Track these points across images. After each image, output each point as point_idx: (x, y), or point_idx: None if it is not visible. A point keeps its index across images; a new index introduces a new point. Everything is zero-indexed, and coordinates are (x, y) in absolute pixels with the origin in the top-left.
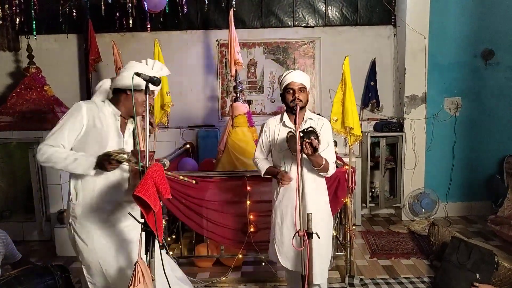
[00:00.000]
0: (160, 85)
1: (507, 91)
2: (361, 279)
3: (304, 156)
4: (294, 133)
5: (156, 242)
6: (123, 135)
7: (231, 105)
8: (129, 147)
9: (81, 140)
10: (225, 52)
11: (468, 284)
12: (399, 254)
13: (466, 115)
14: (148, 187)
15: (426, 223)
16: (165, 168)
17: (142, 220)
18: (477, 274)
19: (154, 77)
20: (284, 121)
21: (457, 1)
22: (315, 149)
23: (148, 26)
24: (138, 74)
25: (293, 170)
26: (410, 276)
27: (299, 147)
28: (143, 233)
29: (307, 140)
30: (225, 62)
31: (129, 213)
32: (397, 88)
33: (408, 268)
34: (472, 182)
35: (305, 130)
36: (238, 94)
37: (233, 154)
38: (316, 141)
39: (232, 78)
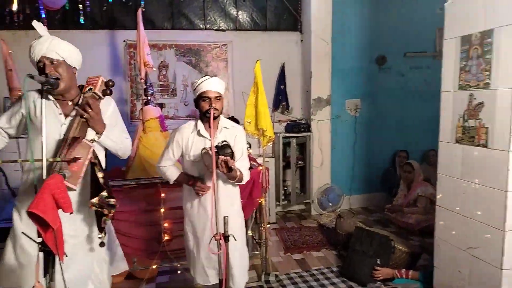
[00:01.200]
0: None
1: (397, 93)
2: (276, 276)
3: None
4: (209, 150)
5: (58, 262)
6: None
7: (142, 108)
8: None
9: None
10: (134, 53)
11: (371, 269)
12: (310, 247)
13: (364, 116)
14: (46, 201)
15: (333, 216)
16: (66, 179)
17: (40, 240)
18: (378, 259)
19: (51, 78)
20: (199, 130)
21: (355, 11)
22: (230, 169)
23: (45, 24)
24: (31, 77)
25: (206, 179)
26: (320, 267)
27: (214, 165)
28: (41, 254)
29: (223, 158)
30: (134, 63)
31: (23, 232)
32: (305, 91)
33: (319, 260)
34: (371, 175)
35: (220, 145)
36: (149, 97)
37: (145, 160)
38: (232, 160)
39: (142, 80)
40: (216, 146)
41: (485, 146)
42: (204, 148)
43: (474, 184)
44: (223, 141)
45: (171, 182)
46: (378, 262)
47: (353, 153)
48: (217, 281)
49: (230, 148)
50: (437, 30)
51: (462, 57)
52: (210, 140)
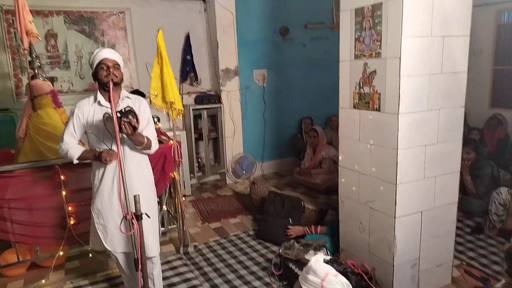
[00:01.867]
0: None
1: (300, 63)
2: (195, 246)
3: (125, 135)
4: (111, 114)
5: None
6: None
7: (29, 84)
8: None
9: None
10: (13, 20)
11: (284, 229)
12: (227, 214)
13: (272, 85)
14: None
15: (248, 183)
16: None
17: None
18: (290, 219)
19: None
20: (99, 101)
21: None
22: (134, 128)
23: None
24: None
25: (113, 148)
26: (238, 232)
27: (117, 127)
28: None
29: (126, 120)
30: (14, 32)
31: None
32: (212, 62)
33: (236, 226)
34: (280, 142)
35: (123, 110)
36: (37, 71)
37: (38, 140)
38: (135, 120)
39: (26, 51)
40: (119, 111)
41: (378, 110)
42: (106, 113)
43: (369, 145)
44: (126, 106)
45: (75, 161)
46: (290, 221)
47: (263, 122)
48: (125, 250)
49: (134, 113)
50: (334, 3)
51: (356, 29)
52: (111, 105)
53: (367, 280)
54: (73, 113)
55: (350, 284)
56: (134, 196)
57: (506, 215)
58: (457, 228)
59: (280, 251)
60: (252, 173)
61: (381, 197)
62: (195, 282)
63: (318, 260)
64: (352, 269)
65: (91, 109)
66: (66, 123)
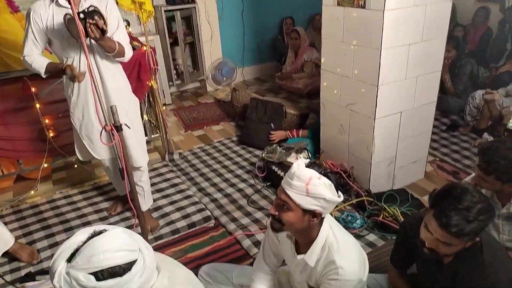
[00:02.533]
0: None
1: None
2: (180, 153)
3: (93, 41)
4: (72, 15)
5: None
6: None
7: None
8: None
9: None
10: None
11: (266, 134)
12: (210, 122)
13: None
14: None
15: (228, 90)
16: None
17: None
18: (272, 124)
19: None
20: (57, 0)
21: None
22: (102, 31)
23: None
24: None
25: (82, 60)
26: (221, 139)
27: (81, 30)
28: None
29: (91, 21)
30: None
31: None
32: None
33: (219, 133)
34: (261, 45)
35: (86, 10)
36: None
37: (1, 51)
38: (102, 21)
39: None
40: (82, 12)
41: (363, 7)
42: (67, 14)
43: (353, 46)
44: (90, 5)
45: (43, 75)
46: (273, 127)
47: (242, 23)
48: (113, 156)
49: (100, 14)
50: None
51: None
52: (70, 5)
53: (346, 178)
54: (29, 18)
55: (332, 184)
56: (111, 107)
57: (479, 116)
58: (434, 126)
59: (263, 155)
60: (233, 79)
61: (362, 100)
62: (183, 186)
63: (300, 166)
64: (332, 168)
65: (48, 11)
66: (25, 31)
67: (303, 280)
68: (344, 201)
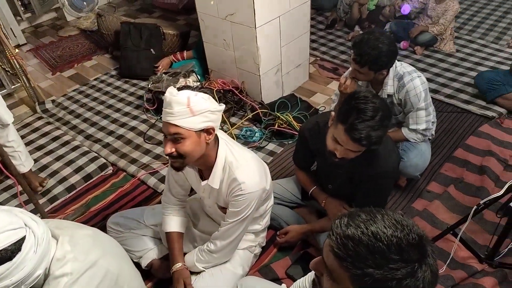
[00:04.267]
0: None
1: None
2: (53, 101)
3: None
4: None
5: None
6: None
7: None
8: None
9: None
10: None
11: (148, 61)
12: (80, 58)
13: None
14: None
15: (93, 16)
16: None
17: None
18: (152, 50)
19: None
20: None
21: None
22: None
23: None
24: None
25: None
26: (98, 75)
27: None
28: None
29: None
30: None
31: None
32: None
33: (94, 69)
34: None
35: None
36: None
37: None
38: None
39: None
40: None
41: None
42: None
43: None
44: None
45: None
46: (153, 52)
47: None
48: None
49: None
50: None
51: None
52: None
53: (238, 94)
54: None
55: (209, 96)
56: None
57: (350, 11)
58: (311, 26)
59: (150, 85)
60: (95, 2)
61: (240, 8)
62: (66, 137)
63: (173, 92)
64: (223, 87)
65: None
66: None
67: (213, 203)
68: (240, 117)
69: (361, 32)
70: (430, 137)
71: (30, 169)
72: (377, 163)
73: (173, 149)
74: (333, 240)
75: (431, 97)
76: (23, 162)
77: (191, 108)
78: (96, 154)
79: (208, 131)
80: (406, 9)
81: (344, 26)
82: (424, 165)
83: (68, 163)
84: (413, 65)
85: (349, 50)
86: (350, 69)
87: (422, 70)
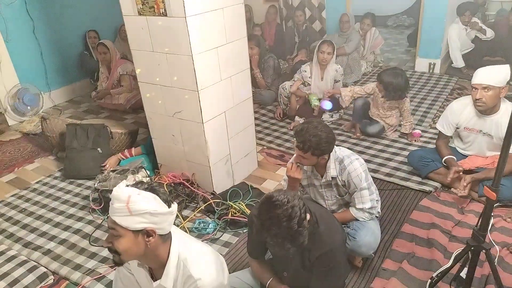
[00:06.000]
0: None
1: None
2: None
3: None
4: None
5: None
6: None
7: None
8: None
9: None
10: None
11: (95, 161)
12: (21, 161)
13: None
14: None
15: (37, 119)
16: None
17: None
18: (99, 149)
19: None
20: None
21: None
22: None
23: None
24: None
25: None
26: (41, 178)
27: None
28: None
29: None
30: None
31: None
32: None
33: (36, 171)
34: (66, 64)
35: None
36: None
37: None
38: None
39: None
40: None
41: (165, 14)
42: None
43: (165, 54)
44: None
45: None
46: (100, 151)
47: (36, 41)
48: None
49: None
50: None
51: None
52: None
53: (190, 186)
54: None
55: (156, 196)
56: None
57: (288, 103)
58: (255, 118)
59: (96, 185)
60: (40, 106)
61: (187, 106)
62: (1, 247)
63: (119, 187)
64: (174, 180)
65: None
66: None
67: None
68: (193, 209)
69: (301, 121)
70: (377, 215)
71: None
72: (322, 243)
73: (110, 244)
74: None
75: (372, 177)
76: None
77: (129, 207)
78: (35, 263)
79: (148, 233)
80: (326, 105)
81: (286, 117)
82: (376, 242)
83: (2, 276)
84: (350, 149)
85: (292, 138)
86: (295, 154)
87: (360, 152)
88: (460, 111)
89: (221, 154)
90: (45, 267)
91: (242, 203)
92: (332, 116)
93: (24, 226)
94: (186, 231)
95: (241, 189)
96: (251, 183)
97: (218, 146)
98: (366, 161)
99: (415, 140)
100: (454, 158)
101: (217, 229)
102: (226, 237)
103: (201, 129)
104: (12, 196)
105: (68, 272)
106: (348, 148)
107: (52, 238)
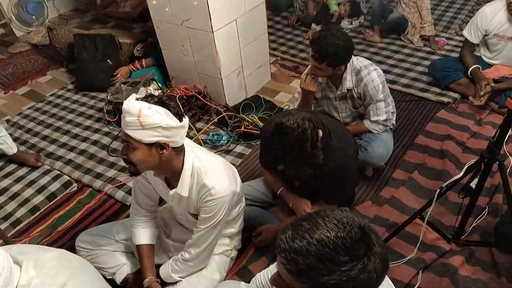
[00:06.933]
0: None
1: None
2: (7, 121)
3: None
4: None
5: None
6: None
7: None
8: None
9: None
10: None
11: (105, 73)
12: (34, 74)
13: None
14: None
15: (44, 30)
16: None
17: None
18: (109, 60)
19: None
20: None
21: None
22: None
23: None
24: None
25: None
26: (55, 90)
27: None
28: None
29: None
30: None
31: None
32: None
33: (50, 84)
34: None
35: None
36: None
37: None
38: None
39: None
40: None
41: None
42: None
43: None
44: None
45: None
46: (110, 63)
47: None
48: None
49: None
50: None
51: None
52: None
53: (202, 99)
54: None
55: (167, 110)
56: None
57: (305, 9)
58: (269, 27)
59: (109, 97)
60: (45, 16)
61: (195, 13)
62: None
63: (129, 100)
64: (186, 93)
65: None
66: None
67: (183, 211)
68: (206, 122)
69: (318, 29)
70: (391, 127)
71: (18, 150)
72: (334, 156)
73: (125, 156)
74: (283, 257)
75: (389, 88)
76: (10, 144)
77: (141, 121)
78: (59, 172)
79: (161, 146)
80: None
81: (302, 25)
82: (388, 154)
83: (29, 184)
84: (369, 58)
85: (307, 48)
86: (310, 65)
87: (379, 62)
88: (492, 16)
89: (232, 65)
90: (68, 176)
91: (255, 116)
92: (351, 23)
93: (44, 138)
94: (200, 143)
95: (254, 102)
96: (264, 95)
97: (230, 57)
98: (385, 71)
99: (439, 49)
100: (479, 67)
101: (230, 141)
102: (239, 148)
103: (211, 38)
104: (29, 108)
105: (90, 180)
106: (366, 58)
107: (72, 149)
